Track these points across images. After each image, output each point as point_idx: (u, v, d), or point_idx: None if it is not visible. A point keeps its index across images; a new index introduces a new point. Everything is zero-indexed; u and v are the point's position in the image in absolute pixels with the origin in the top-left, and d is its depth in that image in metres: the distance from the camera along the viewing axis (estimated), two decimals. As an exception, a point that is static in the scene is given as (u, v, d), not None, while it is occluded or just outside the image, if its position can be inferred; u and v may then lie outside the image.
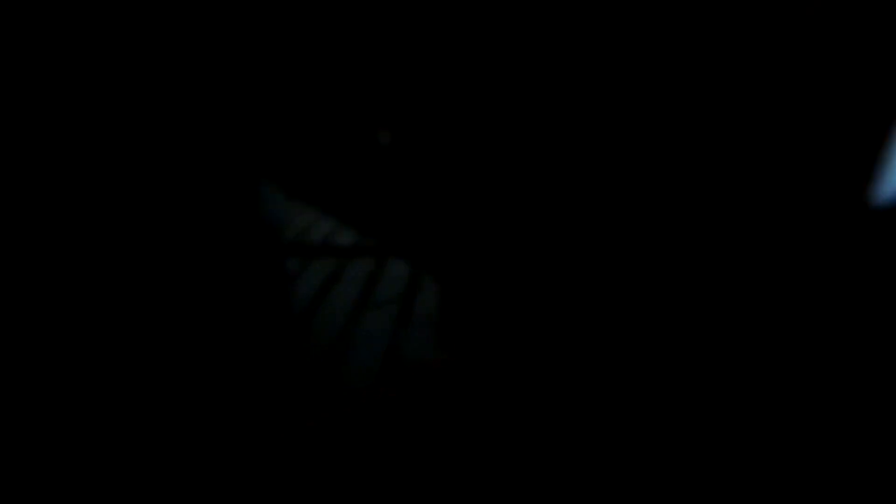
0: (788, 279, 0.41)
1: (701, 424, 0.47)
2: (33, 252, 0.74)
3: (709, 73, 0.33)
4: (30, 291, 0.74)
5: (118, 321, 0.77)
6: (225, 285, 0.80)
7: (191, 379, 0.70)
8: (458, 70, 0.36)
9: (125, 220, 0.76)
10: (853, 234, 0.40)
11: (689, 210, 0.36)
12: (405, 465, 0.53)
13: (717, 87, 0.33)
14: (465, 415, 0.54)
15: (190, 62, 0.72)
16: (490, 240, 0.38)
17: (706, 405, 0.47)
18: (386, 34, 0.41)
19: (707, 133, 0.34)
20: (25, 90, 0.70)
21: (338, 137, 0.49)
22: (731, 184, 0.36)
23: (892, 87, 0.36)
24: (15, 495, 0.50)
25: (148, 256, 0.77)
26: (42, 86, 0.71)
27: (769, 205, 0.37)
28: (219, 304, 0.80)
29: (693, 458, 0.46)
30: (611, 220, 0.36)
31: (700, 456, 0.46)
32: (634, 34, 0.33)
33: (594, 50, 0.34)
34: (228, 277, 0.80)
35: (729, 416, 0.48)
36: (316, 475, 0.52)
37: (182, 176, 0.77)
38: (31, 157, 0.73)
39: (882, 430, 0.48)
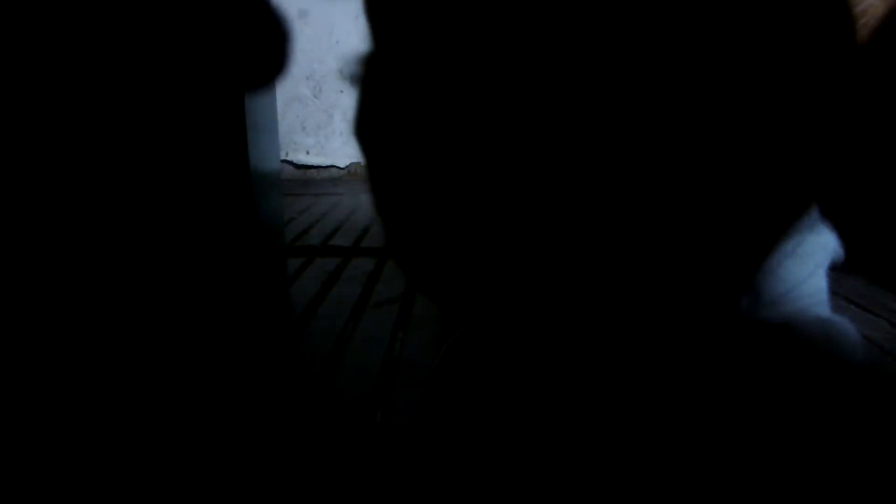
0: None
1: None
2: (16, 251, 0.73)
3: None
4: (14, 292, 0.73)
5: (103, 323, 0.76)
6: (220, 287, 0.78)
7: (183, 382, 0.69)
8: None
9: (109, 218, 0.74)
10: None
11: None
12: (403, 469, 0.52)
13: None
14: (466, 417, 0.53)
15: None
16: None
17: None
18: None
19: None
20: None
21: None
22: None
23: None
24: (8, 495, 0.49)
25: (134, 256, 0.76)
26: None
27: None
28: (213, 306, 0.79)
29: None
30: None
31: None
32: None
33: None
34: (224, 279, 0.78)
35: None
36: (312, 480, 0.51)
37: (172, 172, 0.75)
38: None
39: None
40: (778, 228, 0.38)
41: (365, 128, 0.42)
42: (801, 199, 0.37)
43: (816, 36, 0.33)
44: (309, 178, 2.71)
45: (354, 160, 2.71)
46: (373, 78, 0.40)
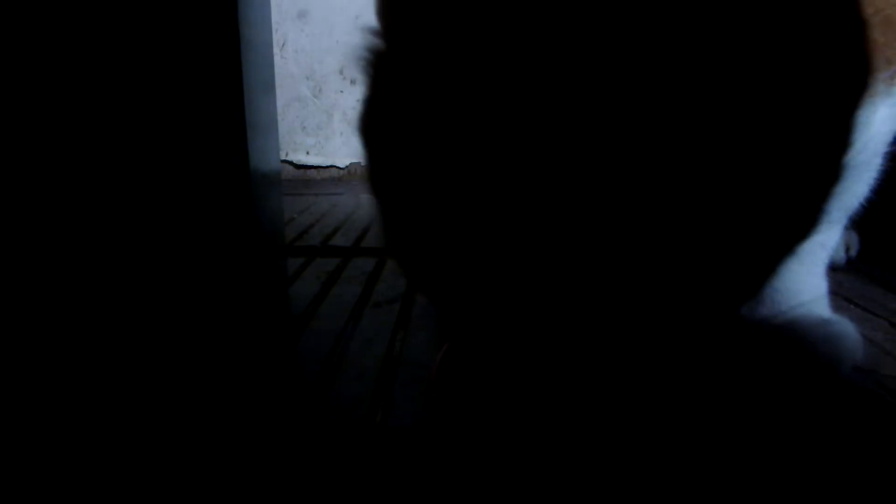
0: None
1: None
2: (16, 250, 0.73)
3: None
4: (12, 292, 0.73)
5: (101, 323, 0.76)
6: (219, 287, 0.78)
7: (181, 382, 0.69)
8: None
9: (108, 218, 0.74)
10: None
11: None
12: (403, 470, 0.52)
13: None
14: (465, 416, 0.53)
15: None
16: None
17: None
18: None
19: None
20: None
21: None
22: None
23: None
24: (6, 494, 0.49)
25: (134, 256, 0.76)
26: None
27: None
28: (213, 306, 0.79)
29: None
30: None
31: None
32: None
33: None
34: (223, 279, 0.78)
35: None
36: (312, 480, 0.51)
37: (172, 171, 0.75)
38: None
39: None
40: (782, 231, 0.37)
41: (369, 126, 0.42)
42: (803, 203, 0.37)
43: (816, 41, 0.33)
44: (309, 178, 2.71)
45: (354, 160, 2.70)
46: (380, 78, 0.40)
